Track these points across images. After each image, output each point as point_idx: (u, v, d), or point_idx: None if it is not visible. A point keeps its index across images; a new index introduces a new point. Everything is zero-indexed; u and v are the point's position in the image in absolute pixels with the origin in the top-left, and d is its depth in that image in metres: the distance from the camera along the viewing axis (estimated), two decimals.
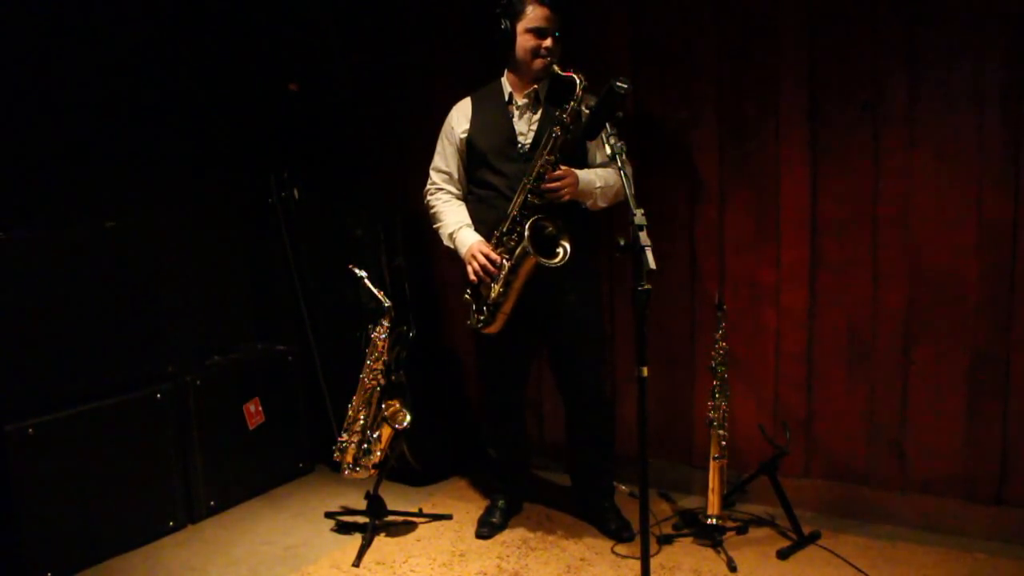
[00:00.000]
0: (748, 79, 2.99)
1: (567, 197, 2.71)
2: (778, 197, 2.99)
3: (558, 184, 2.67)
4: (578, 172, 2.74)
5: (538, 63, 2.74)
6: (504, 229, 2.73)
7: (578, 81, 2.61)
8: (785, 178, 2.97)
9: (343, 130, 3.90)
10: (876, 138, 2.81)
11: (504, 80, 2.88)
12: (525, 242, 2.62)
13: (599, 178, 2.79)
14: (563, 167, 2.68)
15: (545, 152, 2.65)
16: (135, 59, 3.30)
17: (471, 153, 2.89)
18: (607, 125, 2.40)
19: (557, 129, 2.63)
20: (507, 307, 2.75)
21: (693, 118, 3.10)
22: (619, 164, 2.31)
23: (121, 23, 3.25)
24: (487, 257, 2.74)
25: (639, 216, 2.12)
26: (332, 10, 3.84)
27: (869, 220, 2.86)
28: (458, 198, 2.97)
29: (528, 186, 2.68)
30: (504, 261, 2.72)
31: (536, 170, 2.67)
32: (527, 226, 2.63)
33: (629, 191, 2.27)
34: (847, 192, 2.88)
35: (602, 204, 2.84)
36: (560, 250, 2.66)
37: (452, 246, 2.89)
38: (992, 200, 2.67)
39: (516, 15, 2.74)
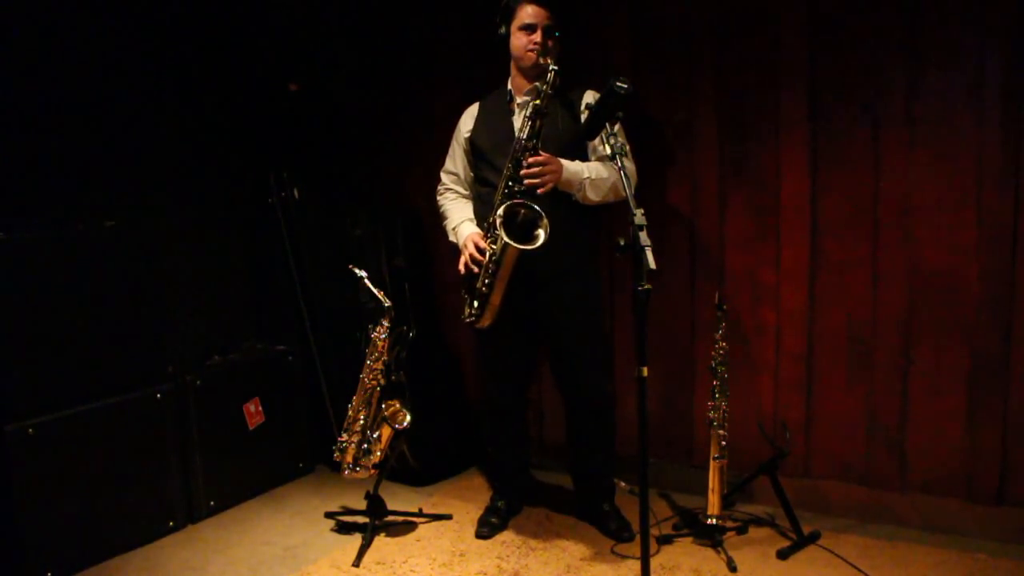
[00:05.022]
0: (748, 79, 2.99)
1: (551, 185, 2.66)
2: (778, 197, 2.99)
3: (537, 169, 2.63)
4: (564, 161, 2.71)
5: (529, 59, 2.77)
6: (491, 220, 2.73)
7: (549, 64, 2.63)
8: (785, 178, 2.97)
9: (343, 130, 3.90)
10: (876, 138, 2.81)
11: (508, 81, 2.90)
12: (498, 228, 2.61)
13: (590, 170, 2.76)
14: (544, 153, 2.66)
15: (523, 138, 2.64)
16: (135, 58, 3.29)
17: (474, 152, 2.93)
18: (607, 125, 2.40)
19: (532, 111, 2.63)
20: (495, 299, 2.73)
21: (693, 118, 3.10)
22: (619, 164, 2.31)
23: (121, 22, 3.25)
24: (476, 246, 2.75)
25: (639, 216, 2.12)
26: (333, 10, 3.84)
27: (869, 220, 2.86)
28: (465, 197, 3.01)
29: (508, 174, 2.67)
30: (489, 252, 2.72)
31: (514, 156, 2.65)
32: (499, 211, 2.61)
33: (629, 191, 2.26)
34: (847, 192, 2.88)
35: (592, 197, 2.78)
36: (540, 232, 2.59)
37: (456, 240, 2.91)
38: (992, 200, 2.67)
39: (510, 16, 2.79)
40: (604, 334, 3.14)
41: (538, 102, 2.62)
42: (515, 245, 2.59)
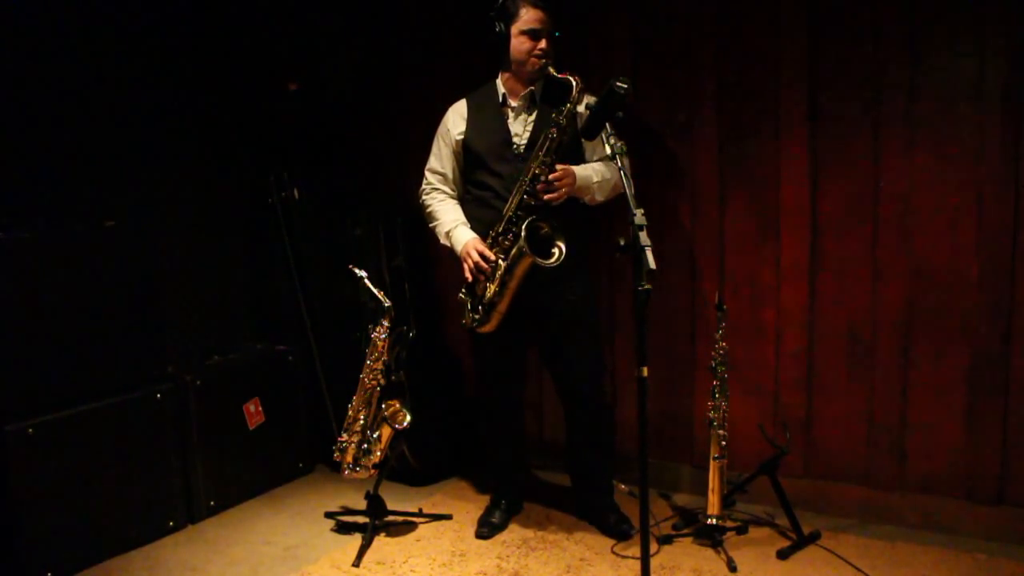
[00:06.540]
0: (748, 79, 2.99)
1: (566, 195, 2.72)
2: (778, 197, 2.99)
3: (557, 184, 2.69)
4: (575, 169, 2.75)
5: (533, 64, 2.76)
6: (500, 229, 2.75)
7: (574, 83, 2.63)
8: (785, 178, 2.97)
9: (343, 130, 3.90)
10: (876, 138, 2.81)
11: (498, 82, 2.89)
12: (521, 242, 2.63)
13: (596, 173, 2.81)
14: (560, 166, 2.69)
15: (541, 154, 2.66)
16: (135, 59, 3.30)
17: (467, 155, 2.91)
18: (607, 125, 2.40)
19: (553, 131, 2.64)
20: (502, 306, 2.76)
21: (693, 118, 3.10)
22: (619, 164, 2.31)
23: (121, 23, 3.25)
24: (482, 255, 2.75)
25: (639, 216, 2.12)
26: (332, 10, 3.84)
27: (869, 220, 2.86)
28: (452, 198, 2.98)
29: (524, 188, 2.69)
30: (500, 260, 2.72)
31: (531, 172, 2.68)
32: (523, 227, 2.64)
33: (629, 191, 2.27)
34: (847, 192, 2.88)
35: (600, 198, 2.85)
36: (555, 250, 2.67)
37: (448, 244, 2.90)
38: (992, 200, 2.67)
39: (510, 17, 2.76)
40: (599, 333, 3.14)
41: (562, 120, 2.64)
42: (541, 261, 2.63)
